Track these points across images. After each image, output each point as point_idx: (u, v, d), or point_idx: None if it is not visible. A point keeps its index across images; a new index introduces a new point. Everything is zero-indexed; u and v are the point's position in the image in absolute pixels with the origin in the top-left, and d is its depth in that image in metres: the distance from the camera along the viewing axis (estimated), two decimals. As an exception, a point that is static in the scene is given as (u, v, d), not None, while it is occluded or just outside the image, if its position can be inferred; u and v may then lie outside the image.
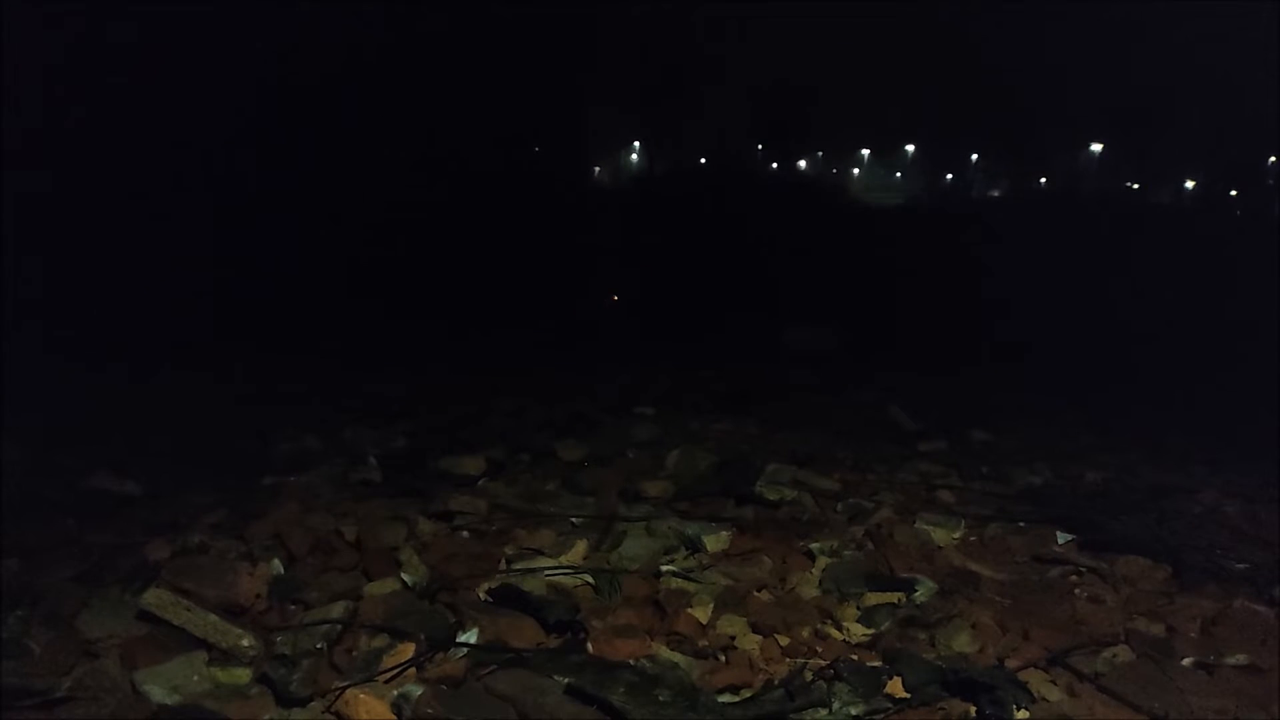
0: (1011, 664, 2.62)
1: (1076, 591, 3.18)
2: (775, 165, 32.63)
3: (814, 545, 3.42)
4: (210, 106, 12.29)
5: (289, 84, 13.37)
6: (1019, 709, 2.39)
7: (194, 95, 12.13)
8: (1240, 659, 2.70)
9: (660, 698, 2.33)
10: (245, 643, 2.51)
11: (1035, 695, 2.46)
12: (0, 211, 8.92)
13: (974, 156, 34.62)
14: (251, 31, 13.05)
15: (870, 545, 3.48)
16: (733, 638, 2.74)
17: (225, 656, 2.49)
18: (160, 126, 11.71)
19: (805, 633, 2.77)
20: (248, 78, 12.82)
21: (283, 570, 2.95)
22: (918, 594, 3.05)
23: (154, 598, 2.57)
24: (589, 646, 2.62)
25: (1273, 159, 28.13)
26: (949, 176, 34.79)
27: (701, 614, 2.84)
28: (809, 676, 2.50)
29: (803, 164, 35.87)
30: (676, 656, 2.59)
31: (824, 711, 2.35)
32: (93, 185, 10.61)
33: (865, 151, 38.71)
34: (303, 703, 2.31)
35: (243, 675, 2.44)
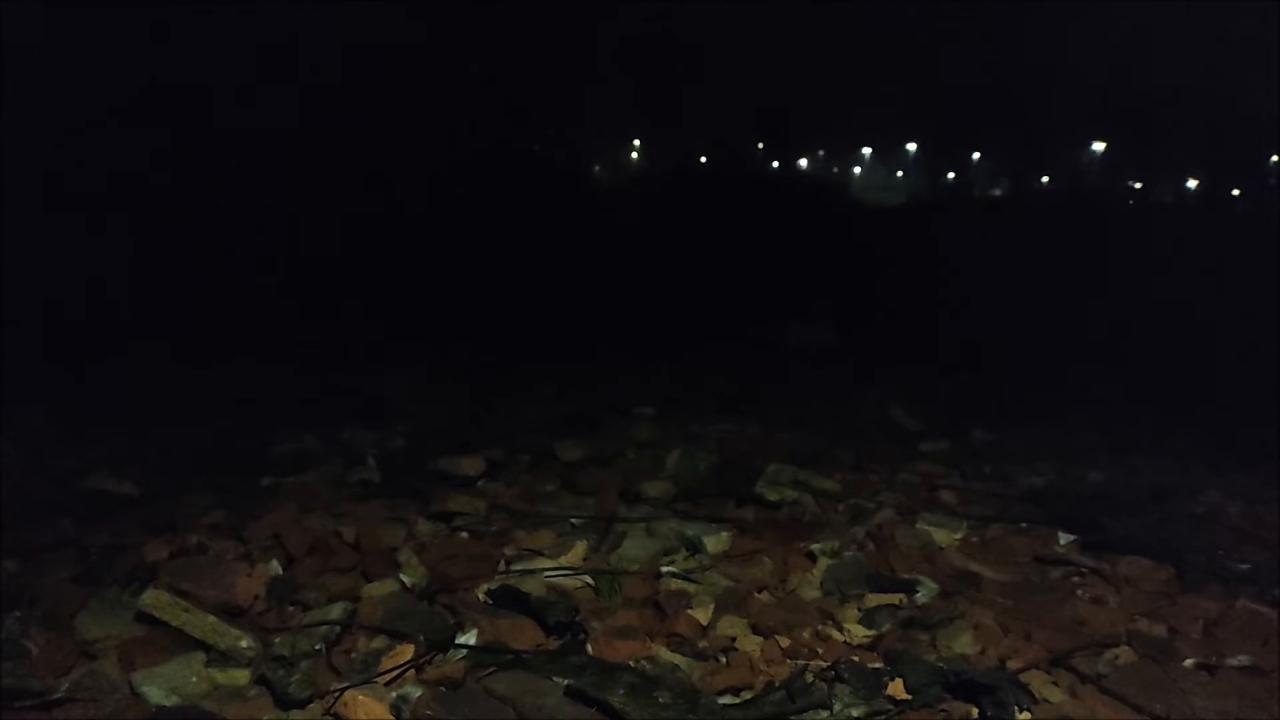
0: (1013, 665, 2.61)
1: (1078, 592, 3.18)
2: (775, 164, 32.65)
3: (815, 546, 3.41)
4: (206, 104, 12.29)
5: (285, 81, 13.36)
6: (1021, 710, 2.38)
7: (191, 92, 12.13)
8: (1242, 660, 2.70)
9: (660, 699, 2.32)
10: (244, 644, 2.50)
11: (1037, 696, 2.46)
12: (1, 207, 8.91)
13: (975, 155, 34.65)
14: (248, 29, 13.04)
15: (871, 546, 3.47)
16: (733, 639, 2.73)
17: (224, 658, 2.49)
18: (157, 123, 11.71)
19: (806, 634, 2.76)
20: (245, 75, 12.81)
21: (281, 571, 2.94)
22: (919, 595, 3.04)
23: (152, 599, 2.56)
24: (589, 648, 2.61)
25: (1274, 159, 28.13)
26: (950, 175, 34.82)
27: (702, 615, 2.83)
28: (810, 678, 2.49)
29: (803, 163, 35.89)
30: (677, 658, 2.59)
31: (825, 713, 2.34)
32: (92, 183, 10.61)
33: (866, 150, 38.73)
34: (301, 704, 2.30)
35: (241, 676, 2.43)
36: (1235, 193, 27.48)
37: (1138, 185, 31.90)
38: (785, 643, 2.70)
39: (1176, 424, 6.12)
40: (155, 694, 2.33)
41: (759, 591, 3.07)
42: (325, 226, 12.50)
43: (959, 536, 3.60)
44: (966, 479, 4.51)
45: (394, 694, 2.30)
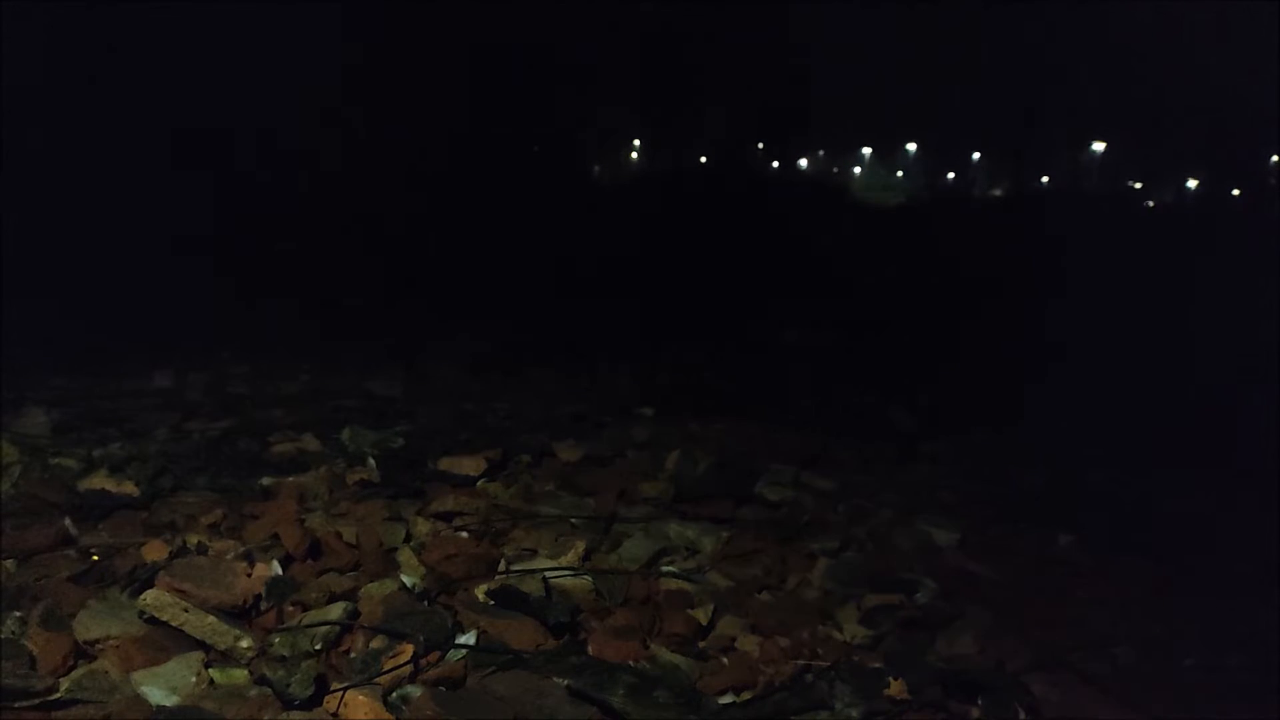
0: (1013, 665, 2.61)
1: (1078, 593, 3.18)
2: (776, 164, 32.65)
3: (815, 546, 3.42)
4: (203, 103, 12.29)
5: (283, 81, 13.36)
6: (1021, 710, 2.38)
7: (189, 92, 12.13)
8: (1241, 659, 2.70)
9: (660, 699, 2.32)
10: (243, 644, 2.50)
11: (1036, 696, 2.46)
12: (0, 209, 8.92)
13: (975, 155, 34.68)
14: (247, 29, 13.05)
15: (871, 546, 3.48)
16: (733, 639, 2.73)
17: (223, 658, 2.49)
18: (156, 124, 11.71)
19: (806, 634, 2.76)
20: (242, 74, 12.82)
21: (281, 571, 2.93)
22: (919, 595, 3.05)
23: (152, 599, 2.56)
24: (589, 648, 2.61)
25: (1274, 159, 28.14)
26: (950, 175, 34.85)
27: (701, 615, 2.83)
28: (810, 678, 2.49)
29: (804, 163, 35.89)
30: (676, 658, 2.59)
31: (825, 714, 2.34)
32: (92, 183, 10.61)
33: (867, 150, 38.74)
34: (301, 704, 2.30)
35: (241, 676, 2.43)
36: (1236, 192, 27.50)
37: (1138, 185, 31.93)
38: (785, 643, 2.70)
39: (1177, 424, 6.12)
40: (155, 694, 2.33)
41: (759, 592, 3.07)
42: (324, 226, 12.50)
43: (958, 536, 3.61)
44: (966, 479, 4.51)
45: (394, 694, 2.30)
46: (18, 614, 2.62)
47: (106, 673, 2.37)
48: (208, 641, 2.50)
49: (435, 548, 3.23)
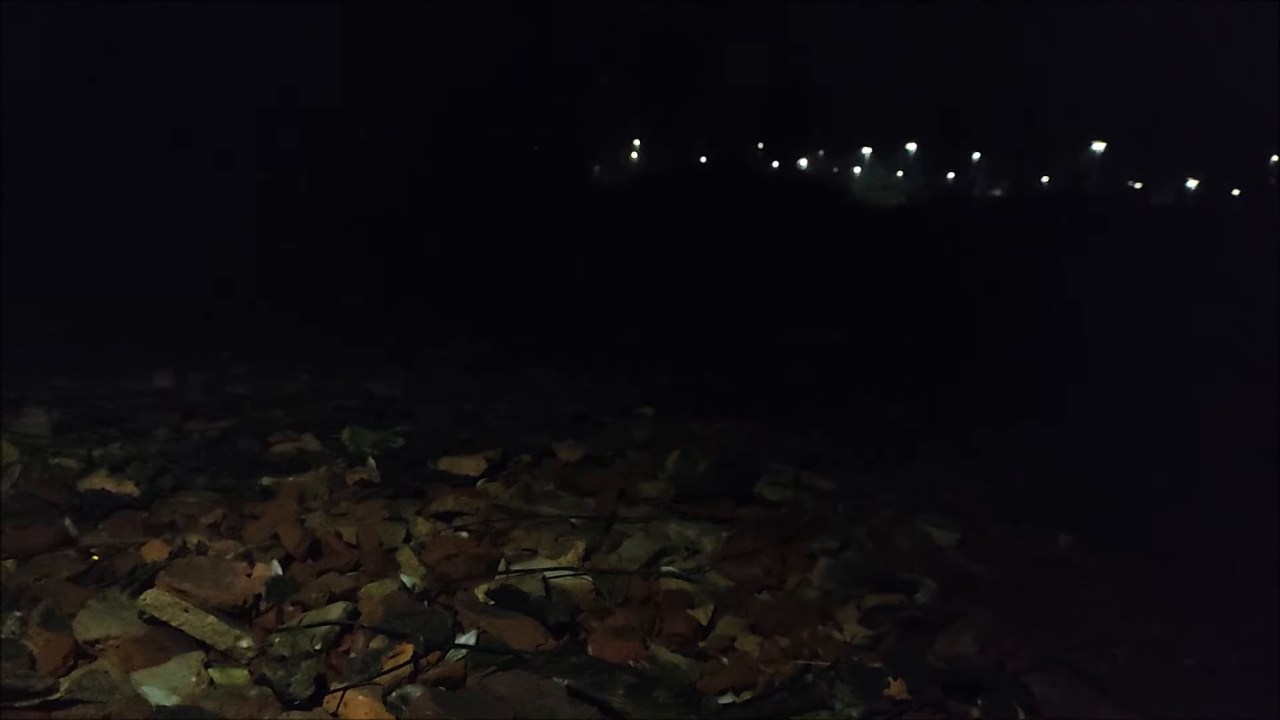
0: (1013, 665, 2.61)
1: (1078, 593, 3.18)
2: (776, 164, 32.67)
3: (815, 546, 3.42)
4: (203, 103, 12.30)
5: (282, 80, 13.36)
6: (1020, 711, 2.38)
7: (188, 92, 12.13)
8: (1241, 659, 2.70)
9: (660, 699, 2.32)
10: (243, 644, 2.50)
11: (1036, 696, 2.46)
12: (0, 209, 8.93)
13: (975, 155, 34.68)
14: (247, 28, 13.05)
15: (871, 546, 3.48)
16: (733, 639, 2.74)
17: (223, 658, 2.49)
18: (157, 124, 11.72)
19: (806, 634, 2.76)
20: (242, 74, 12.82)
21: (281, 571, 2.93)
22: (919, 595, 3.05)
23: (152, 599, 2.56)
24: (589, 648, 2.61)
25: (1275, 159, 28.14)
26: (950, 175, 34.86)
27: (701, 615, 2.83)
28: (810, 678, 2.49)
29: (804, 163, 35.89)
30: (676, 658, 2.59)
31: (825, 714, 2.34)
32: (92, 184, 10.61)
33: (867, 150, 38.75)
34: (301, 704, 2.30)
35: (241, 676, 2.43)
36: (1236, 193, 27.50)
37: (1138, 185, 31.94)
38: (785, 643, 2.70)
39: (1178, 425, 6.12)
40: (155, 694, 2.33)
41: (758, 591, 3.07)
42: (323, 226, 12.50)
43: (958, 536, 3.61)
44: (966, 479, 4.52)
45: (394, 694, 2.30)
46: (18, 614, 2.62)
47: (106, 673, 2.37)
48: (208, 641, 2.50)
49: (435, 548, 3.23)
